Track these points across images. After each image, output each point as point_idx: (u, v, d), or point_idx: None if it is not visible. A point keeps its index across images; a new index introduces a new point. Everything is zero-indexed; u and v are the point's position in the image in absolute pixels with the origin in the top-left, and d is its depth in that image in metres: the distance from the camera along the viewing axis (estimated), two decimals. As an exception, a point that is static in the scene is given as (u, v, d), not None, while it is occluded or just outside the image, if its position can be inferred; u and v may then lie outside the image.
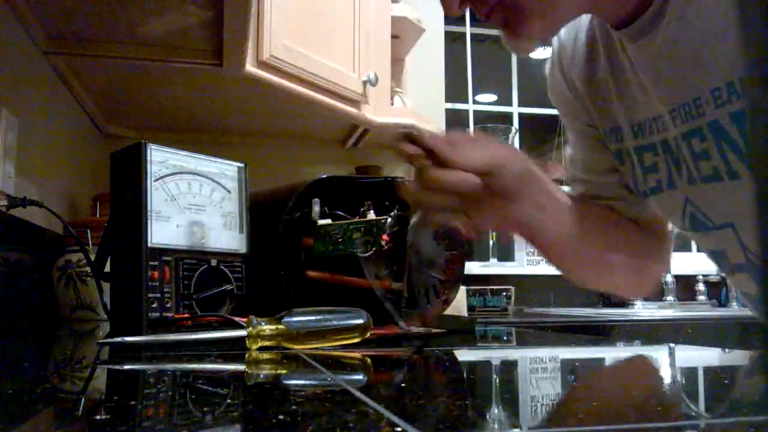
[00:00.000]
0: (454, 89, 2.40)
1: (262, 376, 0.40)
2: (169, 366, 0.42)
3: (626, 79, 0.71)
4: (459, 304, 1.29)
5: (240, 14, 1.01)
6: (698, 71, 0.62)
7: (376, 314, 0.56)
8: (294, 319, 0.51)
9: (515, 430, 0.23)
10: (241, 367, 0.43)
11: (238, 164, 0.66)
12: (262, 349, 0.50)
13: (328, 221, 0.69)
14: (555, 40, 0.84)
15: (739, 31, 0.15)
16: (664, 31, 0.64)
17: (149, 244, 0.57)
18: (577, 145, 0.82)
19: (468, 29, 2.36)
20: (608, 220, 0.75)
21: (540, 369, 0.43)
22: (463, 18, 2.29)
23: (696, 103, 0.63)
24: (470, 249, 0.66)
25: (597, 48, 0.75)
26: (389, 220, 0.71)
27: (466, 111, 2.52)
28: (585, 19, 0.78)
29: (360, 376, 0.39)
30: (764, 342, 0.36)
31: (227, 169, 0.65)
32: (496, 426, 0.24)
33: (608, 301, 2.11)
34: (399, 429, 0.22)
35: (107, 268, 0.64)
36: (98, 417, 0.25)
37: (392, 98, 1.71)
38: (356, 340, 0.53)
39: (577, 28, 0.80)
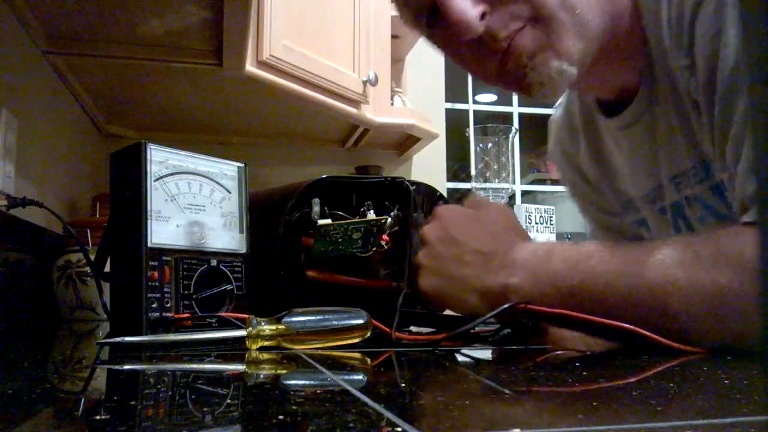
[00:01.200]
0: (454, 89, 2.40)
1: (262, 376, 0.40)
2: (169, 366, 0.42)
3: (620, 157, 0.75)
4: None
5: (240, 14, 1.01)
6: (670, 156, 0.66)
7: (376, 314, 0.56)
8: (294, 319, 0.51)
9: (515, 429, 0.23)
10: (241, 367, 0.43)
11: (238, 164, 0.66)
12: (262, 349, 0.50)
13: (328, 221, 0.69)
14: (552, 138, 0.89)
15: (740, 31, 0.15)
16: (646, 120, 0.66)
17: (149, 244, 0.57)
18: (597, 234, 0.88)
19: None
20: None
21: (540, 368, 0.43)
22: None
23: (675, 180, 0.67)
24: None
25: (593, 126, 0.78)
26: (389, 220, 0.71)
27: (466, 111, 2.53)
28: (574, 100, 0.81)
29: (360, 376, 0.39)
30: (764, 342, 0.36)
31: (227, 169, 0.65)
32: (496, 426, 0.24)
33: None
34: (399, 429, 0.22)
35: (107, 268, 0.64)
36: (98, 417, 0.25)
37: (392, 98, 1.71)
38: (356, 340, 0.53)
39: (569, 115, 0.83)
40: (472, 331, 0.62)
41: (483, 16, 0.56)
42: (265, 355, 0.48)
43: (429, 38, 0.66)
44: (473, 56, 0.60)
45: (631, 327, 0.47)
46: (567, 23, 0.57)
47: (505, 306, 0.53)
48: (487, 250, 0.57)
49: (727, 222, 0.50)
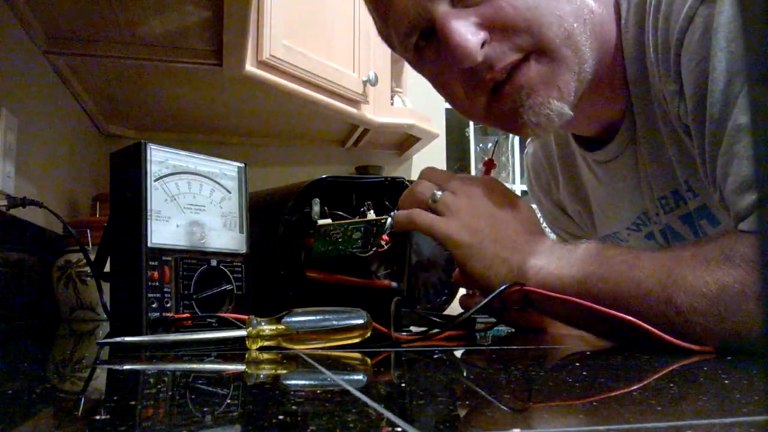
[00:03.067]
0: (454, 89, 2.39)
1: (262, 376, 0.40)
2: (169, 366, 0.42)
3: (600, 190, 0.75)
4: (458, 304, 1.29)
5: (240, 14, 1.01)
6: (653, 183, 0.66)
7: (376, 314, 0.56)
8: (294, 319, 0.51)
9: (515, 429, 0.23)
10: (241, 367, 0.43)
11: (238, 164, 0.66)
12: (262, 349, 0.50)
13: (328, 221, 0.69)
14: (529, 172, 0.89)
15: (741, 32, 0.15)
16: (630, 152, 0.67)
17: (149, 244, 0.57)
18: None
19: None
20: None
21: (540, 368, 0.43)
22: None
23: (661, 205, 0.67)
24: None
25: (571, 161, 0.79)
26: (389, 220, 0.71)
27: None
28: (551, 141, 0.81)
29: (360, 376, 0.39)
30: (764, 342, 0.36)
31: (227, 169, 0.65)
32: (496, 426, 0.24)
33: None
34: (399, 429, 0.22)
35: (107, 268, 0.64)
36: (98, 417, 0.25)
37: (392, 98, 1.71)
38: (356, 340, 0.54)
39: (546, 149, 0.84)
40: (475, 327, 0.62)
41: (483, 44, 0.55)
42: (265, 355, 0.48)
43: (413, 61, 0.65)
44: (463, 86, 0.60)
45: (633, 319, 0.47)
46: (570, 60, 0.56)
47: (503, 288, 0.53)
48: (521, 229, 0.59)
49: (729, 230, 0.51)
